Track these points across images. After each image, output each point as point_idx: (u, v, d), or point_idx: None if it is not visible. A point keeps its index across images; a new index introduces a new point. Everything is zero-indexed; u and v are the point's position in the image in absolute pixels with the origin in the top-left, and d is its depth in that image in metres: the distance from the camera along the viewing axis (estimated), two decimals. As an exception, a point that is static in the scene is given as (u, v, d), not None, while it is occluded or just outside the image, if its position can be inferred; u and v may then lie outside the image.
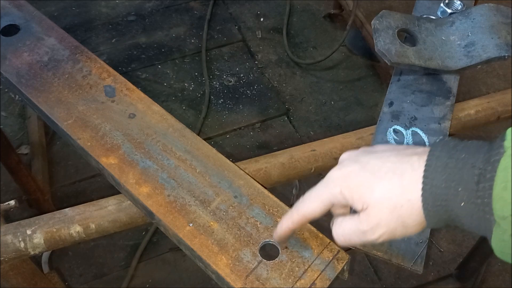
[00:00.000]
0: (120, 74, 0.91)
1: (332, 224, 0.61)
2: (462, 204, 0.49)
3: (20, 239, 0.75)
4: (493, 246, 0.48)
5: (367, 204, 0.54)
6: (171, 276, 1.78)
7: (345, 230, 0.58)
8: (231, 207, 0.73)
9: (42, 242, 0.76)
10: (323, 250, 0.68)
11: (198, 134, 0.78)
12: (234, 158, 2.00)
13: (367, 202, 0.54)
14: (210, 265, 0.67)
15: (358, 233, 0.56)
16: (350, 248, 0.75)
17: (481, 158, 0.48)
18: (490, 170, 0.47)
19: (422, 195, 0.51)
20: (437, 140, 0.53)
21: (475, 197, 0.48)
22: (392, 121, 0.85)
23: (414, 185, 0.51)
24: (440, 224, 0.52)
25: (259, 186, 0.75)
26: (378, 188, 0.54)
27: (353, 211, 0.59)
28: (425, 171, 0.51)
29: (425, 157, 0.52)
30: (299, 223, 0.61)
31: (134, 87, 0.89)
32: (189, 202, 0.73)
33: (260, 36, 2.54)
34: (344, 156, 0.61)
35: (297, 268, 0.66)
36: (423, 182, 0.51)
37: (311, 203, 0.59)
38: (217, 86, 2.33)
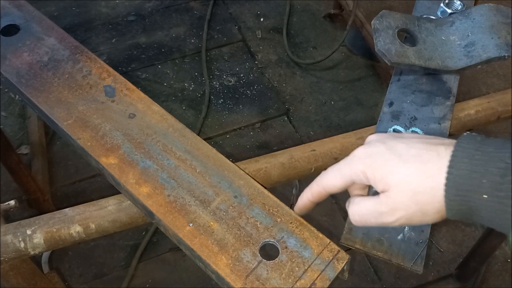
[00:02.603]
0: (120, 74, 0.91)
1: (348, 204, 0.61)
2: (484, 196, 0.49)
3: (20, 239, 0.75)
4: (510, 241, 0.48)
5: (388, 186, 0.54)
6: (171, 276, 1.78)
7: (361, 210, 0.58)
8: (231, 207, 0.73)
9: (42, 242, 0.76)
10: (323, 250, 0.68)
11: (198, 134, 0.78)
12: (234, 158, 2.00)
13: (388, 183, 0.54)
14: (210, 265, 0.67)
15: (375, 213, 0.56)
16: (350, 248, 0.75)
17: (508, 153, 0.49)
18: None
19: (446, 184, 0.51)
20: (464, 134, 0.53)
21: (498, 190, 0.48)
22: (392, 121, 0.85)
23: (438, 173, 0.52)
24: (459, 216, 0.52)
25: (259, 186, 0.75)
26: (402, 171, 0.54)
27: (373, 193, 0.59)
28: (450, 161, 0.51)
29: (451, 148, 0.52)
30: (318, 195, 0.62)
31: (134, 87, 0.89)
32: (189, 202, 0.73)
33: (260, 36, 2.54)
34: (371, 137, 0.62)
35: (297, 268, 0.66)
36: (448, 172, 0.51)
37: (332, 177, 0.60)
38: (217, 86, 2.33)
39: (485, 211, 0.49)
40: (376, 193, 0.57)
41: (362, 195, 0.61)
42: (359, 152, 0.58)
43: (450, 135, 0.84)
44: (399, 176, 0.54)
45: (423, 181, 0.52)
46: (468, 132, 0.54)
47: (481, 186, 0.49)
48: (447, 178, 0.51)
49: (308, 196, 0.63)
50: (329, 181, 0.60)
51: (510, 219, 0.47)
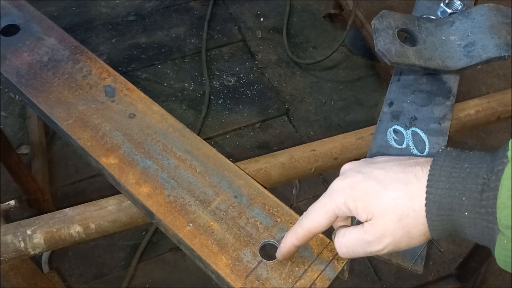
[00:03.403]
0: (120, 74, 0.91)
1: (334, 236, 0.60)
2: (466, 214, 0.48)
3: (20, 239, 0.75)
4: (496, 256, 0.48)
5: (372, 214, 0.53)
6: (171, 276, 1.78)
7: (348, 241, 0.57)
8: (231, 207, 0.73)
9: (42, 242, 0.76)
10: (323, 250, 0.68)
11: (198, 134, 0.78)
12: (234, 158, 2.00)
13: (372, 211, 0.53)
14: (210, 265, 0.67)
15: (362, 243, 0.55)
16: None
17: (485, 167, 0.48)
18: (494, 180, 0.47)
19: (426, 204, 0.50)
20: (439, 150, 0.53)
21: (479, 207, 0.47)
22: (392, 121, 0.85)
23: (418, 194, 0.51)
24: (444, 234, 0.52)
25: (259, 186, 0.75)
26: (384, 197, 0.53)
27: (356, 223, 0.58)
28: (428, 180, 0.51)
29: (428, 167, 0.52)
30: (304, 238, 0.60)
31: (134, 87, 0.89)
32: (189, 202, 0.73)
33: (260, 36, 2.54)
34: (345, 167, 0.61)
35: (297, 268, 0.66)
36: (427, 192, 0.50)
37: (315, 217, 0.58)
38: (217, 86, 2.33)
39: (469, 228, 0.49)
40: (359, 222, 0.56)
41: (346, 226, 0.60)
42: (337, 185, 0.57)
43: (450, 135, 0.84)
44: (382, 203, 0.53)
45: (406, 205, 0.52)
46: (443, 148, 0.53)
47: (462, 204, 0.49)
48: (427, 199, 0.50)
49: (293, 240, 0.61)
50: (314, 222, 0.58)
51: (493, 235, 0.47)
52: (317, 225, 0.58)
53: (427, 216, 0.51)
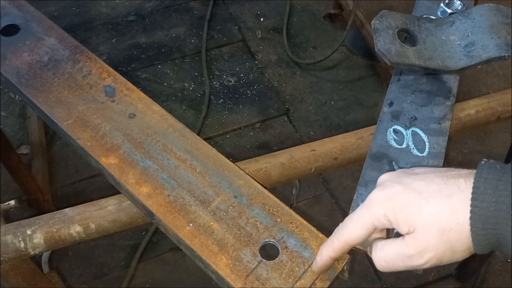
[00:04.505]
0: (120, 74, 0.91)
1: (371, 250, 0.57)
2: None
3: (20, 239, 0.75)
4: None
5: (414, 227, 0.51)
6: (171, 276, 1.78)
7: (388, 255, 0.54)
8: (231, 207, 0.73)
9: (42, 242, 0.76)
10: (323, 250, 0.68)
11: (198, 134, 0.78)
12: (234, 158, 2.00)
13: (414, 224, 0.51)
14: (210, 265, 0.67)
15: (403, 257, 0.53)
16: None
17: None
18: None
19: (471, 218, 0.49)
20: (482, 162, 0.51)
21: None
22: (392, 121, 0.85)
23: (462, 207, 0.49)
24: (487, 249, 0.50)
25: (259, 186, 0.75)
26: (426, 210, 0.51)
27: (394, 235, 0.56)
28: (473, 193, 0.49)
29: (471, 179, 0.50)
30: (341, 250, 0.58)
31: (134, 87, 0.89)
32: (189, 202, 0.73)
33: (260, 36, 2.54)
34: (383, 178, 0.58)
35: (297, 268, 0.66)
36: (472, 205, 0.49)
37: (353, 228, 0.56)
38: (217, 86, 2.33)
39: None
40: (398, 234, 0.54)
41: (382, 238, 0.58)
42: (376, 195, 0.55)
43: (450, 135, 0.84)
44: (424, 216, 0.51)
45: (449, 218, 0.50)
46: (485, 160, 0.51)
47: (509, 218, 0.47)
48: (472, 212, 0.48)
49: (330, 253, 0.58)
50: (352, 233, 0.56)
51: None
52: (354, 237, 0.56)
53: (471, 230, 0.49)
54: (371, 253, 0.58)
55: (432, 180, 0.53)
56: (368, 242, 0.60)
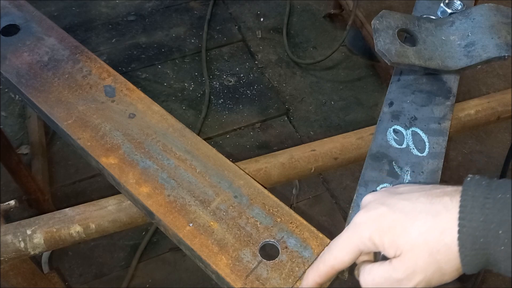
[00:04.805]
0: (120, 74, 0.90)
1: (359, 273, 0.56)
2: (502, 248, 0.46)
3: (20, 239, 0.75)
4: None
5: (400, 250, 0.50)
6: (171, 276, 1.78)
7: (375, 279, 0.53)
8: (231, 207, 0.73)
9: (42, 242, 0.76)
10: (323, 250, 0.68)
11: (198, 134, 0.78)
12: (234, 158, 2.00)
13: (400, 246, 0.50)
14: (210, 265, 0.67)
15: (392, 281, 0.51)
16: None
17: None
18: None
19: (459, 238, 0.47)
20: (467, 179, 0.50)
21: None
22: (392, 121, 0.85)
23: (449, 227, 0.48)
24: (477, 269, 0.49)
25: (259, 186, 0.75)
26: (413, 230, 0.49)
27: (382, 258, 0.54)
28: (460, 212, 0.47)
29: (458, 197, 0.48)
30: (327, 276, 0.57)
31: (134, 87, 0.89)
32: (189, 202, 0.73)
33: (260, 36, 2.54)
34: (367, 199, 0.57)
35: (297, 268, 0.66)
36: (460, 224, 0.47)
37: (338, 252, 0.54)
38: (217, 86, 2.33)
39: (504, 262, 0.46)
40: (385, 257, 0.53)
41: (370, 261, 0.56)
42: (360, 218, 0.53)
43: (450, 135, 0.84)
44: (411, 237, 0.49)
45: (438, 238, 0.48)
46: (470, 176, 0.50)
47: (498, 237, 0.45)
48: (460, 232, 0.47)
49: (315, 278, 0.57)
50: (337, 258, 0.54)
51: None
52: (340, 261, 0.55)
53: (460, 251, 0.47)
54: (358, 276, 0.56)
55: (417, 199, 0.51)
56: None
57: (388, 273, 0.51)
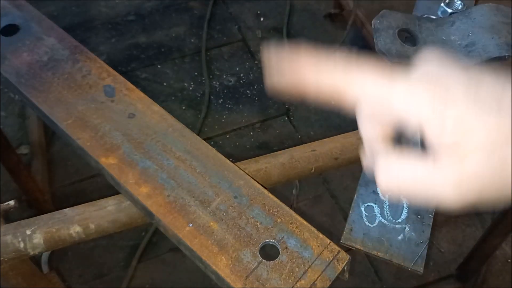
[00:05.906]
0: (120, 74, 0.90)
1: (374, 163, 0.41)
2: None
3: (20, 239, 0.75)
4: None
5: (465, 141, 0.35)
6: (171, 276, 1.77)
7: (407, 175, 0.38)
8: (231, 207, 0.73)
9: (42, 242, 0.75)
10: (323, 250, 0.68)
11: (198, 134, 0.77)
12: (234, 158, 1.99)
13: (466, 137, 0.35)
14: (210, 265, 0.67)
15: (429, 183, 0.37)
16: (351, 249, 0.75)
17: None
18: None
19: None
20: None
21: None
22: (392, 121, 0.85)
23: None
24: None
25: (259, 186, 0.75)
26: (486, 125, 0.35)
27: (419, 144, 0.40)
28: None
29: None
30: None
31: (134, 87, 0.88)
32: (189, 202, 0.73)
33: (260, 35, 2.54)
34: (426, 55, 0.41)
35: (297, 269, 0.66)
36: None
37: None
38: (217, 86, 2.33)
39: None
40: (419, 146, 0.39)
41: (385, 149, 0.41)
42: (418, 73, 0.38)
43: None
44: (483, 133, 0.35)
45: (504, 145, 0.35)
46: None
47: None
48: None
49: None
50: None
51: None
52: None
53: None
54: (377, 168, 0.41)
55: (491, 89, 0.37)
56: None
57: (429, 171, 0.37)
